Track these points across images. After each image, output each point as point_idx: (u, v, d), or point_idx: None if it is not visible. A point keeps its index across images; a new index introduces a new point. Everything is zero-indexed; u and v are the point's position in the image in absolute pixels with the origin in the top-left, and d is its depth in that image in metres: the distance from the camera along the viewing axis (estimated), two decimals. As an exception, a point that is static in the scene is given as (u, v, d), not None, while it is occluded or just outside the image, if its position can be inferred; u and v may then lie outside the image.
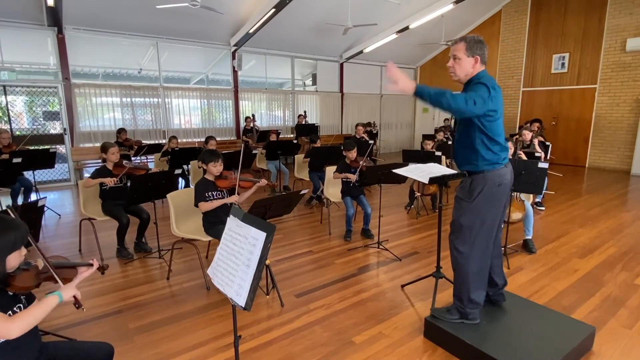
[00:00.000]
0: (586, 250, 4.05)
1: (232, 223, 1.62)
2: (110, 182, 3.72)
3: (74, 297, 1.49)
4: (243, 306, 1.42)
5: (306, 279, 3.41)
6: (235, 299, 1.46)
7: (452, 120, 10.25)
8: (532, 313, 2.55)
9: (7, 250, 1.40)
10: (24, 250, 1.48)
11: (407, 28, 9.90)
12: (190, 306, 2.94)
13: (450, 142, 7.19)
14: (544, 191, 4.66)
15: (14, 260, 1.43)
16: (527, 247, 4.00)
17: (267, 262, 3.13)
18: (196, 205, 3.19)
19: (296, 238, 4.51)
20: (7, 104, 7.22)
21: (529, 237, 4.04)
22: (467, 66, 2.15)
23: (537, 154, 4.86)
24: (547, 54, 10.33)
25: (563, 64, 10.02)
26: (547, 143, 6.11)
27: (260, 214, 2.71)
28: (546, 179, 3.87)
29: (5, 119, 7.29)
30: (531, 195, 4.39)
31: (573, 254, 3.95)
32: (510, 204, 3.63)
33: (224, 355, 2.34)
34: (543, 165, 3.51)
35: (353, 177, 4.23)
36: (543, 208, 5.69)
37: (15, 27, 6.99)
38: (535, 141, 5.46)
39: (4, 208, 1.69)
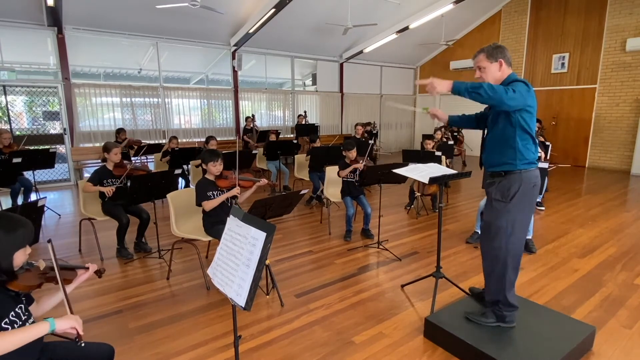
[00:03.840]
0: (586, 250, 4.05)
1: (232, 223, 1.62)
2: (108, 192, 3.73)
3: (75, 328, 1.38)
4: (243, 306, 1.42)
5: (306, 279, 3.42)
6: (235, 299, 1.46)
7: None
8: (532, 313, 2.55)
9: (16, 247, 1.43)
10: (28, 249, 1.49)
11: (407, 28, 9.90)
12: (190, 306, 2.94)
13: (450, 143, 7.19)
14: (543, 191, 4.67)
15: (19, 258, 1.45)
16: (526, 247, 4.00)
17: (267, 262, 3.13)
18: (199, 205, 3.19)
19: (296, 238, 4.51)
20: (7, 104, 7.22)
21: (529, 237, 4.04)
22: (493, 71, 2.20)
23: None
24: (547, 54, 10.33)
25: (563, 64, 10.02)
26: (547, 143, 6.11)
27: (260, 214, 2.71)
28: (546, 179, 3.88)
29: (5, 119, 7.29)
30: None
31: (573, 253, 3.95)
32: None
33: (224, 355, 2.34)
34: (543, 165, 3.51)
35: (360, 165, 4.24)
36: (543, 208, 5.69)
37: (15, 27, 6.98)
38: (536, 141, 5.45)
39: (4, 209, 1.70)
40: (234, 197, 3.26)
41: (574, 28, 9.76)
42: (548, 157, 5.67)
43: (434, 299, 2.77)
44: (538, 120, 7.47)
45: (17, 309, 1.44)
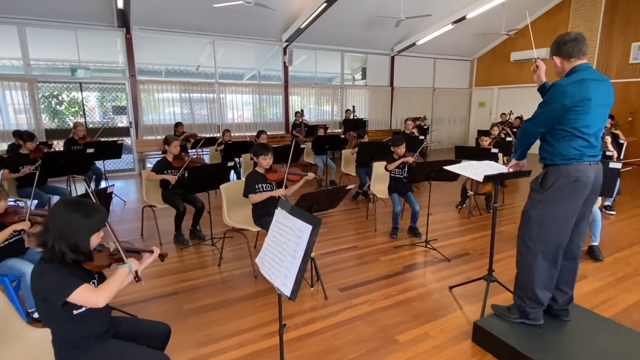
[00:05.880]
0: (664, 261, 3.64)
1: (280, 215, 1.67)
2: (172, 179, 4.00)
3: (135, 270, 1.66)
4: (288, 296, 1.46)
5: (350, 273, 3.42)
6: (281, 288, 1.50)
7: (511, 115, 9.63)
8: (596, 325, 2.34)
9: (93, 230, 1.58)
10: (101, 233, 1.64)
11: (464, 18, 9.42)
12: (239, 292, 3.07)
13: (508, 139, 6.76)
14: (614, 194, 4.24)
15: (94, 240, 1.60)
16: (592, 254, 3.68)
17: (312, 254, 3.17)
18: (245, 196, 3.31)
19: (341, 233, 4.52)
20: (82, 100, 7.99)
21: (595, 244, 3.71)
22: (556, 68, 2.25)
23: (608, 153, 4.42)
24: (624, 43, 9.30)
25: (644, 53, 8.98)
26: (621, 141, 5.53)
27: (307, 207, 2.74)
28: (618, 180, 3.52)
29: (81, 113, 8.07)
30: (599, 198, 4.01)
31: (648, 264, 3.56)
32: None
33: (269, 342, 2.42)
34: (615, 165, 3.19)
35: (409, 159, 4.16)
36: (613, 212, 5.18)
37: (90, 29, 7.67)
38: (608, 138, 4.96)
39: (90, 191, 1.91)
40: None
41: (659, 12, 8.69)
42: (622, 157, 5.14)
43: (485, 303, 2.65)
44: (610, 116, 6.78)
45: (90, 284, 1.60)
